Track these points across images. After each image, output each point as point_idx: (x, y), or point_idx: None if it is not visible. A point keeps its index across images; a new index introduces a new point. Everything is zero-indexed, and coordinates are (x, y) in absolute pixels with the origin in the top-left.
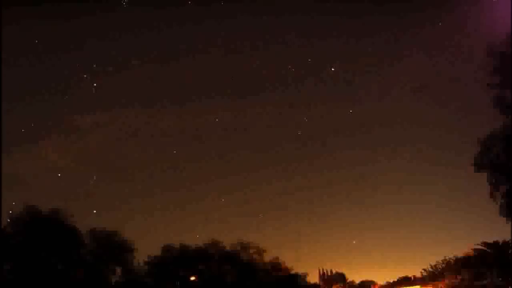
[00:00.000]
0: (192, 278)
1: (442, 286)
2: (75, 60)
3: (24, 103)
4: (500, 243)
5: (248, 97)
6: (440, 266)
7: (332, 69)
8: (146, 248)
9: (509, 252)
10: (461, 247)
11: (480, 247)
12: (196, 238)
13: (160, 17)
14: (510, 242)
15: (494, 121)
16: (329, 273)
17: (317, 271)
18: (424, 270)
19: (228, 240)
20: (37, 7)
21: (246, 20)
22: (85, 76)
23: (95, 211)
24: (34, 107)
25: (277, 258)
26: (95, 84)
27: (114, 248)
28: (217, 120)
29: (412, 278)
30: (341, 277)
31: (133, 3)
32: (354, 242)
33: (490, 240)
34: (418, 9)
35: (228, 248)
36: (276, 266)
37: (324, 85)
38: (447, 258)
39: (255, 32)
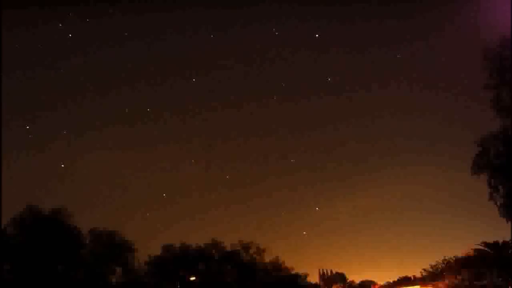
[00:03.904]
0: (192, 278)
1: (442, 286)
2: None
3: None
4: (500, 243)
5: (249, 98)
6: (440, 266)
7: (329, 79)
8: (146, 248)
9: (509, 252)
10: (461, 247)
11: (480, 247)
12: (196, 238)
13: None
14: (510, 242)
15: (493, 122)
16: (329, 273)
17: (317, 271)
18: (424, 270)
19: (228, 240)
20: None
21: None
22: (60, 25)
23: (95, 211)
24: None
25: (277, 258)
26: (70, 35)
27: (114, 248)
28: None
29: (412, 278)
30: (341, 277)
31: None
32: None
33: (490, 240)
34: (416, 10)
35: (228, 248)
36: (276, 266)
37: (321, 93)
38: (447, 258)
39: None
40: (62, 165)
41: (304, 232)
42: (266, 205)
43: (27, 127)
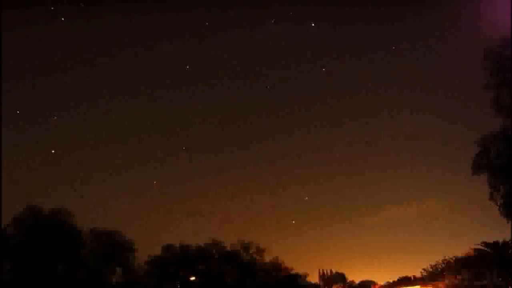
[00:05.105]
0: (192, 278)
1: (442, 286)
2: None
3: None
4: (500, 243)
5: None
6: (440, 266)
7: (323, 70)
8: (146, 248)
9: (509, 252)
10: (461, 247)
11: (480, 247)
12: (196, 238)
13: None
14: (510, 242)
15: (493, 122)
16: (329, 273)
17: (317, 271)
18: (424, 270)
19: (228, 240)
20: None
21: None
22: (52, 8)
23: (95, 211)
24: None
25: (277, 258)
26: (63, 18)
27: (114, 248)
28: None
29: (412, 278)
30: (341, 277)
31: None
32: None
33: (490, 240)
34: (417, 11)
35: (228, 248)
36: (276, 266)
37: (320, 83)
38: (447, 258)
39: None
40: (53, 151)
41: (293, 221)
42: (266, 205)
43: (27, 127)
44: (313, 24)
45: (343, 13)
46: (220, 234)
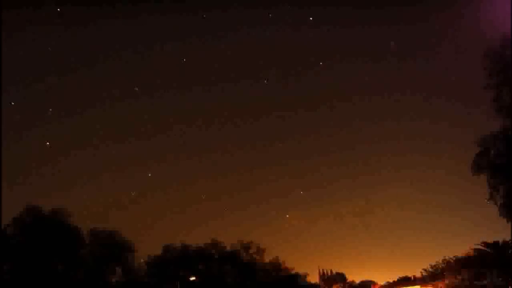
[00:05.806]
0: (192, 278)
1: (442, 286)
2: None
3: None
4: (500, 243)
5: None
6: (440, 266)
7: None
8: (146, 248)
9: (509, 252)
10: (461, 247)
11: (480, 247)
12: (196, 238)
13: None
14: (510, 242)
15: (493, 122)
16: (329, 273)
17: (317, 271)
18: (424, 270)
19: (228, 240)
20: None
21: None
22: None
23: (95, 211)
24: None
25: (277, 258)
26: (59, 9)
27: (114, 248)
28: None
29: (412, 278)
30: (341, 277)
31: None
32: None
33: (490, 240)
34: (417, 12)
35: (228, 248)
36: (276, 266)
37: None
38: (447, 258)
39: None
40: (48, 144)
41: (287, 215)
42: (266, 204)
43: (27, 127)
44: (311, 18)
45: (343, 13)
46: (220, 234)
